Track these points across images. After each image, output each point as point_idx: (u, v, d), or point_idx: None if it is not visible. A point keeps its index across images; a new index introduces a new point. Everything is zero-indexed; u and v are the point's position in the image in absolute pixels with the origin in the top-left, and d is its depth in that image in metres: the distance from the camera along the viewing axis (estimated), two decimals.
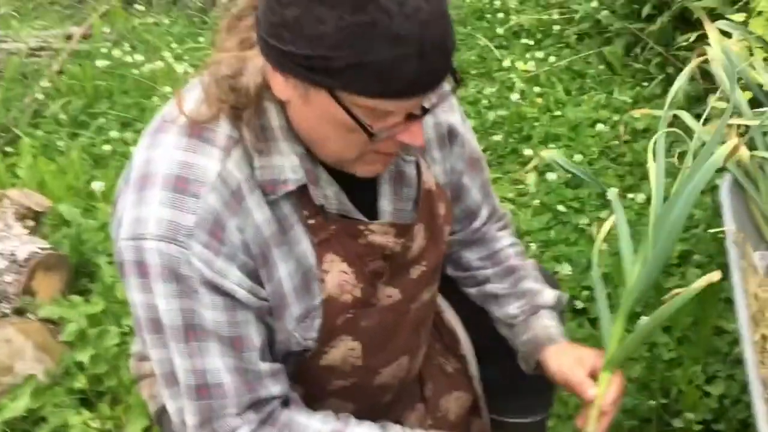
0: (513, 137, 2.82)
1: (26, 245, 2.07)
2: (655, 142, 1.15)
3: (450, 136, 1.10)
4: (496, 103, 3.05)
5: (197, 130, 0.90)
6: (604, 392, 1.03)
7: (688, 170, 1.10)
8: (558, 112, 2.87)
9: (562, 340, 1.13)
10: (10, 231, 2.13)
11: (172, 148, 0.90)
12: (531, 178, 2.56)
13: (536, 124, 2.81)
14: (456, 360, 1.26)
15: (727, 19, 1.84)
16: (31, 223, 2.23)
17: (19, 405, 1.74)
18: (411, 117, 0.87)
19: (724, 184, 1.59)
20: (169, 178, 0.88)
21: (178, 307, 0.89)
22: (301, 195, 0.94)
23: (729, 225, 1.41)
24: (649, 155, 1.11)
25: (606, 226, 1.16)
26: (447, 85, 0.88)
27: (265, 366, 0.96)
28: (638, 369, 1.74)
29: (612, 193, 1.12)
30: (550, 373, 1.11)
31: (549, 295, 1.18)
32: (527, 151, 2.67)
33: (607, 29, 3.17)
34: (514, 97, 3.01)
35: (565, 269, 2.07)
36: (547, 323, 1.15)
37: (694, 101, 2.41)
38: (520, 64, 3.22)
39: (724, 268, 1.87)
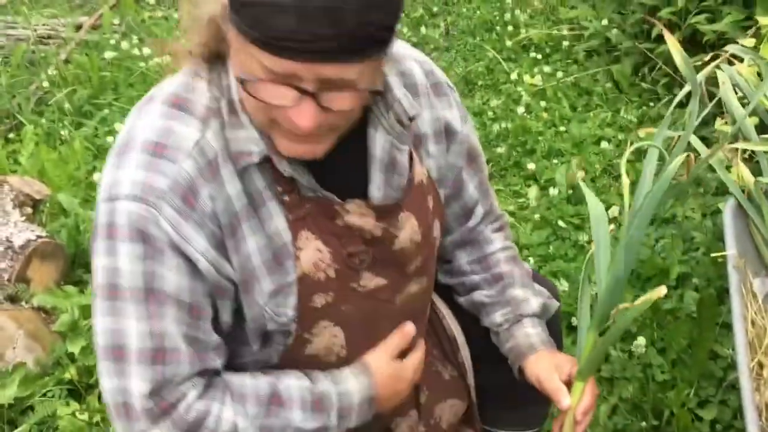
0: (516, 150, 2.82)
1: (23, 232, 2.07)
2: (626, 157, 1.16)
3: (447, 133, 1.10)
4: (502, 116, 3.05)
5: (178, 100, 0.92)
6: (577, 402, 1.06)
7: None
8: (563, 128, 2.87)
9: (542, 348, 1.13)
10: (8, 217, 2.13)
11: (154, 117, 0.92)
12: (532, 192, 2.56)
13: (540, 138, 2.81)
14: (454, 367, 1.25)
15: (738, 43, 1.84)
16: (29, 210, 2.22)
17: (7, 393, 1.73)
18: (303, 92, 0.83)
19: (728, 208, 1.58)
20: (148, 143, 0.90)
21: (141, 269, 0.90)
22: (274, 171, 0.94)
23: (731, 250, 1.41)
24: (622, 169, 1.12)
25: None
26: (352, 74, 0.83)
27: (215, 337, 0.97)
28: (631, 389, 1.73)
29: (593, 208, 1.11)
30: (529, 380, 1.12)
31: (533, 303, 1.18)
32: (530, 165, 2.66)
33: (616, 47, 3.17)
34: (520, 110, 3.01)
35: (563, 285, 2.06)
36: (529, 332, 1.15)
37: (702, 124, 2.41)
38: (527, 78, 3.22)
39: (723, 292, 1.87)
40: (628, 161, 2.54)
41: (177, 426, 0.95)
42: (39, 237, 2.07)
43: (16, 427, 1.74)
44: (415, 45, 3.65)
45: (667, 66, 2.76)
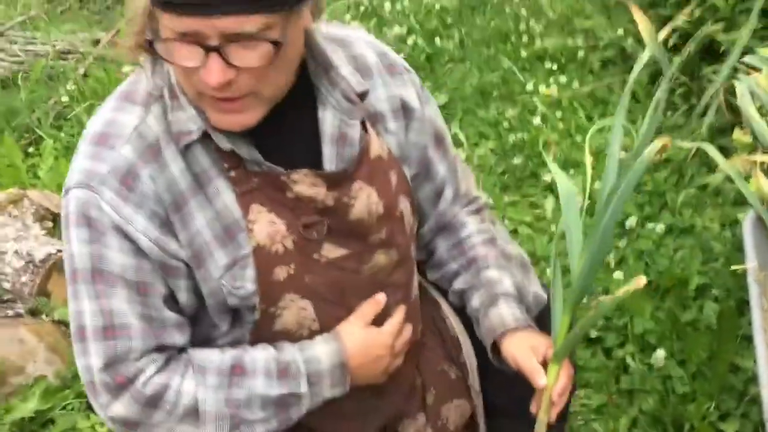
0: (532, 161, 2.81)
1: (44, 246, 2.09)
2: (590, 136, 1.16)
3: (405, 111, 1.14)
4: (517, 126, 3.04)
5: (124, 93, 1.01)
6: (553, 384, 1.07)
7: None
8: (579, 138, 2.86)
9: (514, 325, 1.12)
10: (28, 231, 2.15)
11: (104, 111, 1.01)
12: (549, 204, 2.55)
13: (557, 148, 2.81)
14: (458, 368, 1.25)
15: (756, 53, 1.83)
16: (49, 224, 2.25)
17: (29, 406, 1.76)
18: (207, 49, 0.88)
19: (747, 220, 1.57)
20: (94, 135, 0.99)
21: (88, 251, 0.97)
22: (218, 148, 0.98)
23: (751, 262, 1.40)
24: (587, 149, 1.14)
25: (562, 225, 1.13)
26: (252, 26, 0.87)
27: (170, 314, 1.01)
28: (651, 402, 1.72)
29: (562, 190, 1.10)
30: (505, 360, 1.13)
31: (507, 282, 1.18)
32: (547, 176, 2.66)
33: (631, 57, 3.16)
34: (536, 120, 3.01)
35: None
36: (502, 311, 1.14)
37: (719, 133, 2.39)
38: (542, 88, 3.22)
39: (743, 304, 1.85)
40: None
41: (136, 400, 1.00)
42: (59, 251, 2.09)
43: None
44: (429, 56, 3.69)
45: (683, 75, 2.75)
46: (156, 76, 0.99)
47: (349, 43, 1.11)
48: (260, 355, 1.05)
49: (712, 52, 2.63)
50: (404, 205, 1.13)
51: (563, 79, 3.30)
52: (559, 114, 3.02)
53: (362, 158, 1.07)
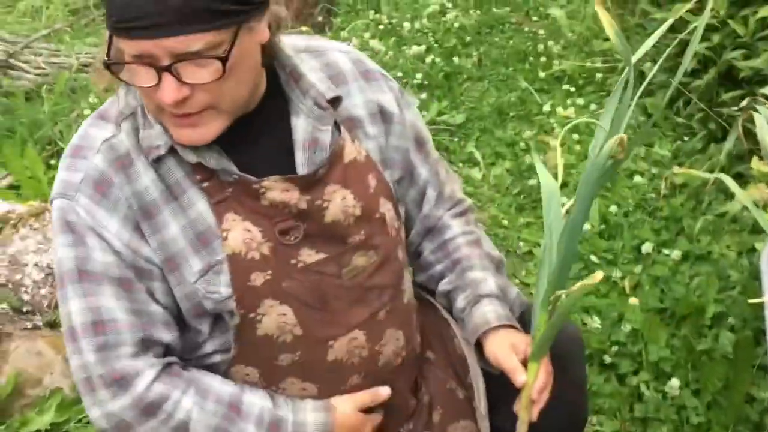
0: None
1: None
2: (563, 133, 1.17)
3: (383, 115, 1.16)
4: (534, 147, 3.05)
5: (101, 111, 1.07)
6: (532, 382, 1.09)
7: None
8: None
9: (497, 323, 1.15)
10: (49, 244, 2.18)
11: (83, 128, 1.07)
12: None
13: (573, 171, 2.80)
14: (465, 389, 1.26)
15: None
16: None
17: (45, 419, 1.77)
18: (158, 69, 0.93)
19: (765, 250, 1.56)
20: (71, 147, 1.06)
21: (73, 254, 1.02)
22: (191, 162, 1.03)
23: None
24: (558, 149, 1.13)
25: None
26: (199, 45, 0.91)
27: (157, 308, 1.05)
28: (665, 430, 1.71)
29: (544, 186, 1.10)
30: (487, 358, 1.15)
31: (491, 282, 1.20)
32: (563, 199, 2.65)
33: (650, 81, 3.16)
34: (553, 142, 3.01)
35: (595, 322, 2.05)
36: (485, 309, 1.17)
37: (737, 160, 2.39)
38: (560, 110, 3.22)
39: (760, 334, 1.84)
40: (663, 196, 2.53)
41: (136, 404, 1.03)
42: None
43: None
44: (447, 75, 3.71)
45: (701, 101, 2.74)
46: (129, 95, 1.05)
47: (323, 53, 1.15)
48: (258, 402, 1.08)
49: (731, 78, 2.63)
50: (386, 207, 1.14)
51: (581, 101, 3.30)
52: (576, 136, 3.02)
53: (335, 161, 1.09)
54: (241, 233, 1.04)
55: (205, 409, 1.05)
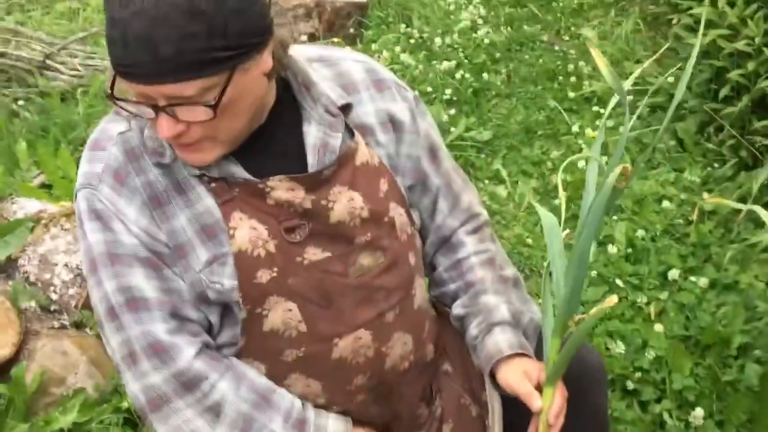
0: (576, 204, 2.80)
1: None
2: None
3: (394, 124, 1.18)
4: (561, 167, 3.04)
5: (118, 110, 1.10)
6: (548, 406, 1.09)
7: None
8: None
9: (509, 352, 1.16)
10: (77, 245, 2.21)
11: (101, 123, 1.13)
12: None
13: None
14: (479, 406, 1.26)
15: None
16: None
17: (68, 418, 1.79)
18: (155, 108, 0.98)
19: None
20: (91, 142, 1.11)
21: (102, 239, 1.07)
22: None
23: None
24: (559, 183, 1.13)
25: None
26: (191, 90, 0.96)
27: (183, 285, 1.08)
28: None
29: (545, 220, 1.12)
30: (501, 386, 1.16)
31: (503, 309, 1.20)
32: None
33: (681, 105, 3.14)
34: (581, 163, 3.00)
35: (619, 347, 2.03)
36: (498, 338, 1.18)
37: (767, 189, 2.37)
38: (588, 131, 3.21)
39: None
40: (690, 223, 2.50)
41: (176, 377, 1.07)
42: None
43: None
44: (476, 91, 3.71)
45: (733, 128, 2.72)
46: None
47: (336, 62, 1.18)
48: (288, 398, 1.11)
49: (764, 106, 2.61)
50: (397, 212, 1.16)
51: (610, 123, 3.29)
52: (604, 159, 3.01)
53: (345, 164, 1.11)
54: (247, 231, 1.07)
55: (238, 394, 1.08)
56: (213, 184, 1.08)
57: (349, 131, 1.14)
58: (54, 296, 2.07)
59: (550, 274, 1.10)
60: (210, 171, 1.07)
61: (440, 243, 1.28)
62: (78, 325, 2.04)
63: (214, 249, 1.08)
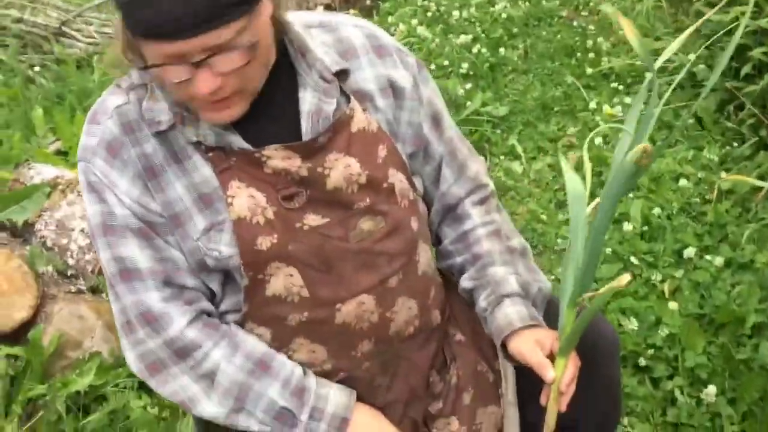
0: (592, 181, 2.78)
1: None
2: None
3: (394, 90, 1.17)
4: (578, 144, 3.02)
5: (120, 80, 1.12)
6: (561, 376, 1.10)
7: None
8: None
9: (520, 324, 1.15)
10: None
11: (102, 96, 1.13)
12: None
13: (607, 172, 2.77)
14: (494, 372, 1.27)
15: None
16: None
17: (84, 381, 1.81)
18: (193, 65, 0.97)
19: None
20: (90, 114, 1.12)
21: (99, 210, 1.10)
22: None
23: None
24: (585, 155, 1.15)
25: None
26: (227, 36, 0.96)
27: (177, 254, 1.10)
28: None
29: (570, 186, 1.13)
30: (513, 356, 1.16)
31: (512, 281, 1.20)
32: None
33: (701, 83, 3.10)
34: (597, 140, 2.98)
35: (632, 324, 2.03)
36: (508, 311, 1.17)
37: None
38: (606, 108, 3.18)
39: None
40: (708, 202, 2.49)
41: (168, 345, 1.10)
42: None
43: (89, 414, 1.82)
44: (492, 65, 3.68)
45: (754, 107, 2.69)
46: (143, 72, 1.09)
47: (336, 27, 1.17)
48: (289, 365, 1.12)
49: None
50: (396, 178, 1.15)
51: (628, 99, 3.26)
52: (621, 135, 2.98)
53: (340, 130, 1.11)
54: (246, 199, 1.08)
55: (232, 362, 1.10)
56: (210, 153, 1.08)
57: (346, 97, 1.14)
58: (71, 261, 2.09)
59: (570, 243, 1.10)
60: (207, 139, 1.08)
61: (445, 212, 1.28)
62: (94, 290, 2.06)
63: (212, 217, 1.09)
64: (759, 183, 1.38)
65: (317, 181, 1.10)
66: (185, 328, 1.10)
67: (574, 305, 1.09)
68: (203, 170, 1.09)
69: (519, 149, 3.09)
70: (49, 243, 2.10)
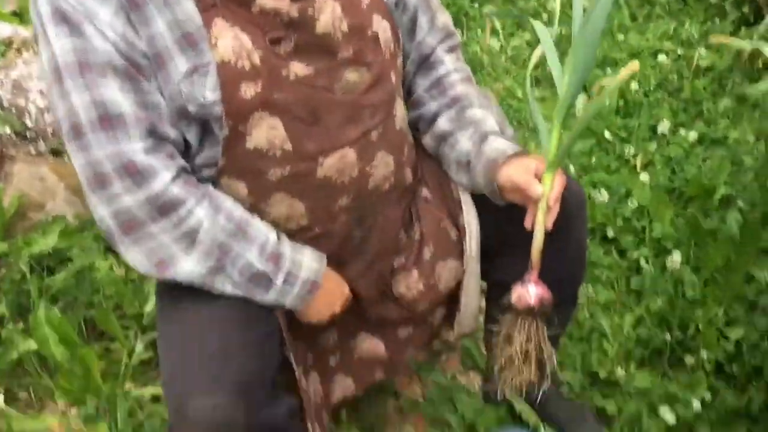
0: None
1: None
2: None
3: None
4: (558, 20, 2.93)
5: None
6: (549, 190, 1.11)
7: None
8: (621, 36, 2.76)
9: (512, 151, 1.17)
10: None
11: None
12: (580, 101, 2.49)
13: None
14: (457, 229, 1.28)
15: None
16: None
17: (48, 242, 1.77)
18: None
19: None
20: None
21: (71, 46, 0.96)
22: None
23: None
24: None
25: (537, 52, 1.18)
26: None
27: (161, 100, 1.01)
28: (659, 302, 1.73)
29: (536, 25, 1.15)
30: (502, 186, 1.16)
31: (491, 121, 1.22)
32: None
33: None
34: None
35: (603, 196, 2.04)
36: (497, 144, 1.18)
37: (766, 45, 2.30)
38: None
39: None
40: (685, 77, 2.45)
41: (151, 201, 1.01)
42: None
43: (54, 275, 1.79)
44: None
45: None
46: None
47: None
48: (264, 230, 1.09)
49: None
50: (381, 26, 1.13)
51: None
52: None
53: None
54: (230, 41, 1.01)
55: (216, 221, 1.05)
56: None
57: None
58: (29, 123, 2.01)
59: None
60: None
61: (421, 61, 1.27)
62: (56, 153, 2.00)
63: (195, 59, 1.01)
64: (743, 44, 1.34)
65: (307, 23, 1.05)
66: (170, 183, 1.02)
67: (561, 121, 1.10)
68: (186, 5, 1.00)
69: (497, 25, 3.00)
70: (5, 103, 2.01)
